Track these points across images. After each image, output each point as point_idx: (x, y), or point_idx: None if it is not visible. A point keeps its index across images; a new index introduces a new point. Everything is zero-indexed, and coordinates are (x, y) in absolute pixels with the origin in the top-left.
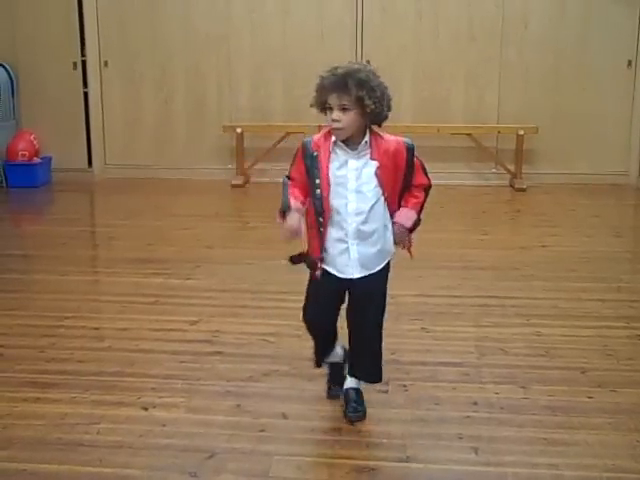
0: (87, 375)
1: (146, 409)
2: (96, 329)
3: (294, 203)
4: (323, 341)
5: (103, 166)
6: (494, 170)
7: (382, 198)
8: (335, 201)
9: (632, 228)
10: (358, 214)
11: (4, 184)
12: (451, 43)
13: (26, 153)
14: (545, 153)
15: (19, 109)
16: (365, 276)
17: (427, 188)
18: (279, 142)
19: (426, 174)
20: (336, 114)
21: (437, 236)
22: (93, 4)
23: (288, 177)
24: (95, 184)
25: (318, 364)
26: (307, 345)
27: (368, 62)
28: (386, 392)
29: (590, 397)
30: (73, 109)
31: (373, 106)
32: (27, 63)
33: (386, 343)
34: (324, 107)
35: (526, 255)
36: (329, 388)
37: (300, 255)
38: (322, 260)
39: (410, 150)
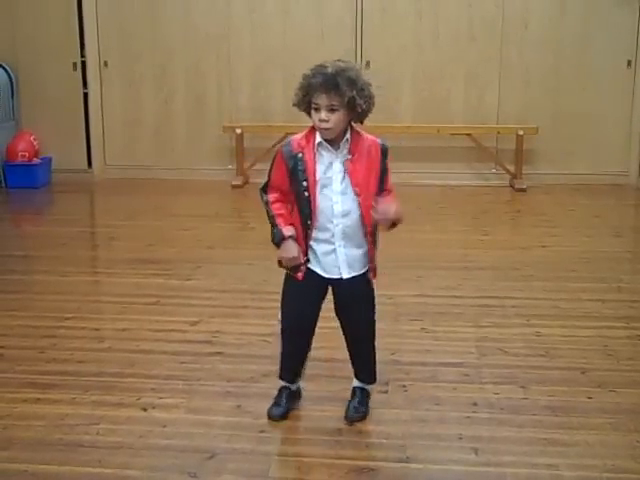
0: (87, 376)
1: (146, 410)
2: (96, 330)
3: (286, 230)
4: (297, 347)
5: (103, 167)
6: (494, 170)
7: (357, 202)
8: (321, 203)
9: (632, 228)
10: (344, 215)
11: (4, 185)
12: (451, 43)
13: (26, 154)
14: (545, 153)
15: (19, 110)
16: (353, 277)
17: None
18: (279, 142)
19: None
20: (325, 114)
21: (437, 236)
22: (93, 5)
23: (265, 188)
24: (95, 185)
25: (281, 376)
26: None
27: (368, 63)
28: (386, 392)
29: (590, 397)
30: (73, 110)
31: (364, 106)
32: (27, 64)
33: (386, 343)
34: (309, 107)
35: (526, 255)
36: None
37: None
38: (307, 262)
39: (384, 152)
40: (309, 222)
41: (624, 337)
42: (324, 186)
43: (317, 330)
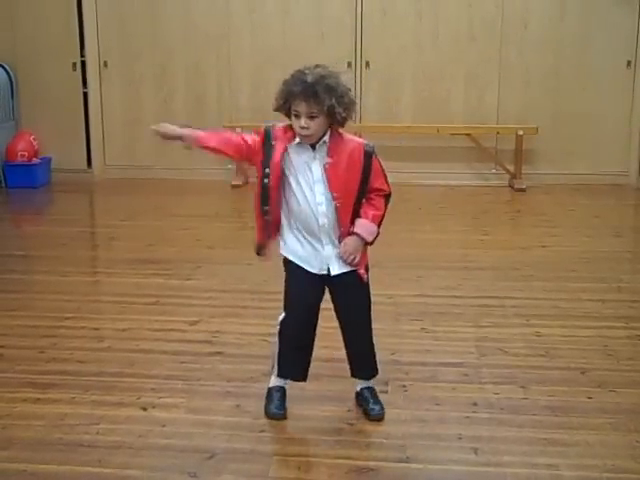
0: (87, 375)
1: (146, 409)
2: (96, 329)
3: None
4: (303, 336)
5: (103, 166)
6: (494, 170)
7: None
8: (303, 202)
9: (632, 228)
10: (326, 215)
11: (3, 185)
12: (451, 43)
13: (25, 153)
14: (545, 153)
15: (18, 109)
16: (345, 273)
17: (387, 196)
18: None
19: (387, 181)
20: (304, 121)
21: (437, 236)
22: (92, 4)
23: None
24: (95, 184)
25: (279, 373)
26: None
27: (368, 63)
28: (386, 392)
29: (590, 397)
30: (73, 109)
31: (344, 114)
32: (27, 64)
33: (386, 343)
34: (289, 112)
35: (526, 255)
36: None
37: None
38: (265, 246)
39: (368, 154)
40: (266, 207)
41: (624, 337)
42: (306, 185)
43: (318, 329)
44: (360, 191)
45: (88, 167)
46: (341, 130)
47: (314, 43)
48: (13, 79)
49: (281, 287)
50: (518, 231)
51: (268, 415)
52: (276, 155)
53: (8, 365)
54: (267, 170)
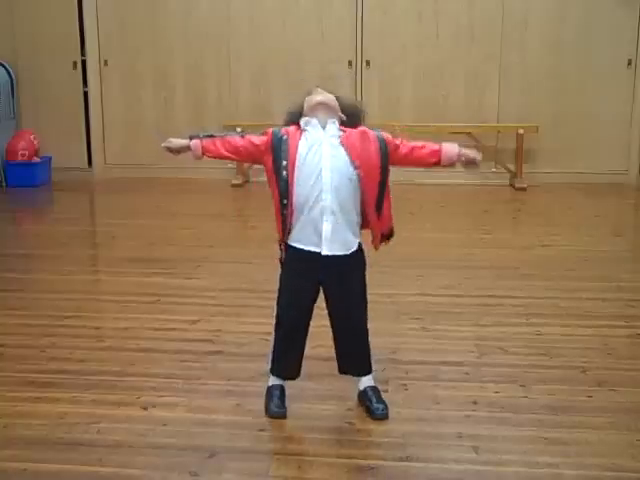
0: (87, 375)
1: (146, 408)
2: (97, 328)
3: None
4: (296, 333)
5: (103, 165)
6: (494, 169)
7: (355, 177)
8: (307, 177)
9: (632, 227)
10: (334, 190)
11: (4, 183)
12: (451, 42)
13: (26, 152)
14: (545, 152)
15: (19, 108)
16: (337, 256)
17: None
18: None
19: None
20: (321, 91)
21: (437, 235)
22: (93, 3)
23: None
24: (95, 184)
25: (272, 370)
26: (307, 345)
27: (368, 62)
28: (386, 391)
29: (590, 396)
30: (73, 108)
31: (355, 115)
32: (27, 63)
33: (386, 342)
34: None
35: (526, 254)
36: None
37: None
38: (286, 245)
39: (379, 135)
40: (285, 201)
41: (624, 336)
42: (311, 161)
43: (316, 329)
44: (382, 161)
45: (88, 166)
46: None
47: (314, 42)
48: (13, 78)
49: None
50: (518, 230)
51: (268, 414)
52: (292, 143)
53: (8, 364)
54: (284, 162)
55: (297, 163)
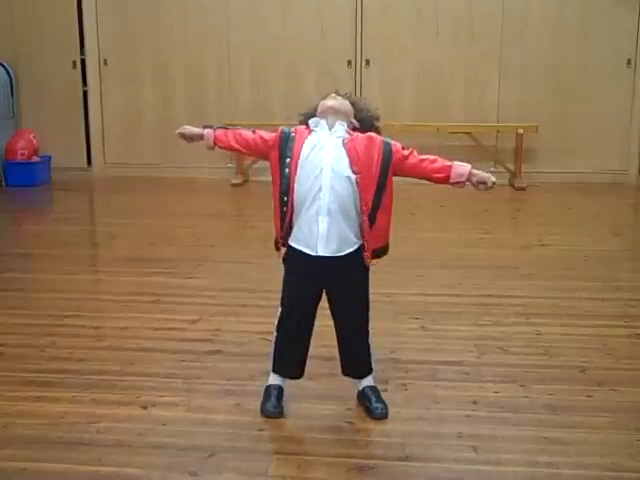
0: (87, 374)
1: (146, 408)
2: (96, 328)
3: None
4: (294, 342)
5: (102, 165)
6: (493, 169)
7: (354, 180)
8: (310, 175)
9: (631, 227)
10: (333, 191)
11: (3, 183)
12: (451, 41)
13: (25, 152)
14: (545, 152)
15: (18, 108)
16: (336, 257)
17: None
18: None
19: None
20: (334, 96)
21: (437, 235)
22: (92, 2)
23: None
24: (95, 183)
25: (274, 368)
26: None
27: (368, 61)
28: (386, 391)
29: (589, 396)
30: (72, 108)
31: (368, 117)
32: (27, 62)
33: (386, 342)
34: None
35: (526, 254)
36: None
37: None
38: (283, 240)
39: (387, 143)
40: (285, 198)
41: (623, 336)
42: (313, 160)
43: (320, 328)
44: (382, 170)
45: (88, 165)
46: None
47: (314, 41)
48: (13, 77)
49: (281, 286)
50: (518, 230)
51: (264, 413)
52: (298, 142)
53: (8, 363)
54: (288, 160)
55: (300, 161)
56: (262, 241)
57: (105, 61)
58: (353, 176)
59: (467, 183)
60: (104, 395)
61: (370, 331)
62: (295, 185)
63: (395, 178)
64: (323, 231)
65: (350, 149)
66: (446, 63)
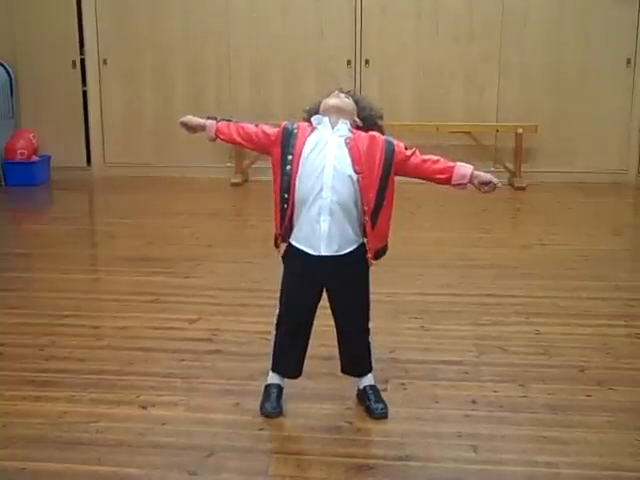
0: (87, 373)
1: (145, 408)
2: (96, 327)
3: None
4: (297, 330)
5: (102, 164)
6: (493, 169)
7: (356, 179)
8: (311, 174)
9: (631, 226)
10: (334, 190)
11: (3, 182)
12: (451, 42)
13: (25, 151)
14: (544, 151)
15: (18, 107)
16: (337, 256)
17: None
18: None
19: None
20: (338, 94)
21: (436, 234)
22: (92, 2)
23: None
24: (94, 182)
25: (273, 367)
26: (310, 344)
27: (367, 61)
28: (385, 390)
29: (589, 395)
30: (72, 107)
31: (371, 116)
32: (26, 62)
33: (385, 341)
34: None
35: (525, 253)
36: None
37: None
38: (282, 237)
39: (389, 141)
40: (286, 195)
41: (623, 335)
42: (315, 158)
43: (320, 328)
44: (384, 170)
45: (87, 165)
46: None
47: (314, 41)
48: (13, 77)
49: (280, 284)
50: (517, 229)
51: (263, 413)
52: (300, 139)
53: (7, 363)
54: (290, 157)
55: (302, 158)
56: (261, 240)
57: (105, 61)
58: (355, 175)
59: (469, 185)
60: (103, 395)
61: (370, 329)
62: (296, 183)
63: (395, 178)
64: (325, 231)
65: (352, 148)
66: (446, 63)
